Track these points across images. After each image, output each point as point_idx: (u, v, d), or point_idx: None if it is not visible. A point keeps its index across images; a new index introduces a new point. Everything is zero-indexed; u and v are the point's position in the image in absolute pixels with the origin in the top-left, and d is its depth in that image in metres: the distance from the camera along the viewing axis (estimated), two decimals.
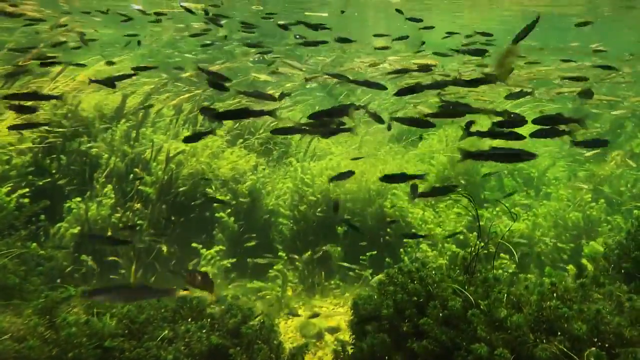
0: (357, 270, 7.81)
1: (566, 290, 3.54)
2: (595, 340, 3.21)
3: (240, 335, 3.36)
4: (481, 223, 8.11)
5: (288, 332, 7.06)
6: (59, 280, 6.73)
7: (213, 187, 8.33)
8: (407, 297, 3.70)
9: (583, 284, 3.72)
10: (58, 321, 2.91)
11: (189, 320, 3.33)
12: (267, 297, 7.55)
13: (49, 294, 3.23)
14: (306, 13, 20.73)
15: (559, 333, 3.23)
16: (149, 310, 3.29)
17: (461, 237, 7.63)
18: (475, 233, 7.75)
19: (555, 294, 3.48)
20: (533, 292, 3.59)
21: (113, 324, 3.02)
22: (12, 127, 6.54)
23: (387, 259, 7.82)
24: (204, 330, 3.20)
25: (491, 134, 4.85)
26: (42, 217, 7.45)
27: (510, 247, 6.91)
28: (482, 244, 7.22)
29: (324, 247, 8.03)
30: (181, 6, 10.77)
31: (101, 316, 3.12)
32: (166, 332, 2.99)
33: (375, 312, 3.75)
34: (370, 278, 7.65)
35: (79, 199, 7.82)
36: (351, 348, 3.87)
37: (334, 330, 6.95)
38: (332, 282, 7.99)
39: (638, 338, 3.11)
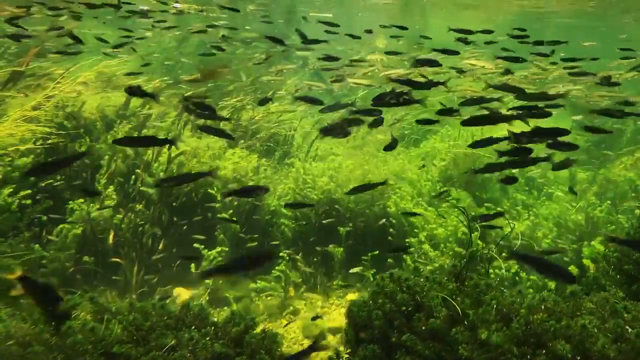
0: (359, 271, 7.83)
1: (556, 302, 3.51)
2: (579, 358, 3.17)
3: (243, 344, 3.38)
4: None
5: (290, 332, 7.08)
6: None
7: (215, 188, 8.34)
8: (395, 308, 3.67)
9: (574, 293, 3.69)
10: (63, 328, 2.93)
11: (192, 327, 3.34)
12: (269, 297, 7.58)
13: None
14: (311, 13, 20.71)
15: (544, 351, 3.21)
16: (153, 317, 3.30)
17: (464, 236, 7.64)
18: (476, 234, 7.77)
19: (543, 306, 3.45)
20: (524, 300, 3.57)
21: (119, 330, 3.03)
22: None
23: (389, 259, 7.84)
24: (207, 338, 3.21)
25: (535, 133, 4.77)
26: (44, 218, 7.48)
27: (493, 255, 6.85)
28: (481, 248, 7.24)
29: (325, 248, 8.05)
30: (174, 7, 10.78)
31: (107, 323, 3.14)
32: (172, 341, 3.00)
33: (369, 320, 3.74)
34: (372, 279, 7.67)
35: (81, 200, 7.84)
36: (346, 357, 3.86)
37: (336, 331, 6.97)
38: (335, 282, 8.01)
39: (622, 357, 3.09)
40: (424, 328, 3.45)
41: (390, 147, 5.77)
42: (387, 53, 9.74)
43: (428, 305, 3.57)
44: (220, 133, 5.97)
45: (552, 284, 6.57)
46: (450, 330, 3.38)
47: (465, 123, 4.82)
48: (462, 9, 22.71)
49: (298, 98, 6.39)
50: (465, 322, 3.45)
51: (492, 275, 6.40)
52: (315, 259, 8.10)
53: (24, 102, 8.44)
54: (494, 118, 4.76)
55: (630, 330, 3.27)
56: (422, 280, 3.84)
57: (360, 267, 7.76)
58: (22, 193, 7.33)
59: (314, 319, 6.94)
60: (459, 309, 3.46)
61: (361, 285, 7.89)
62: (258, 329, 3.63)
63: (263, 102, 7.44)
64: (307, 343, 6.88)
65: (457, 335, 3.28)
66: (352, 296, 7.79)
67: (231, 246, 8.00)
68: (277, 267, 7.76)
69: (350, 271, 7.82)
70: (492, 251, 5.76)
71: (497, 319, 3.46)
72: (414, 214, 7.44)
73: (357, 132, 11.01)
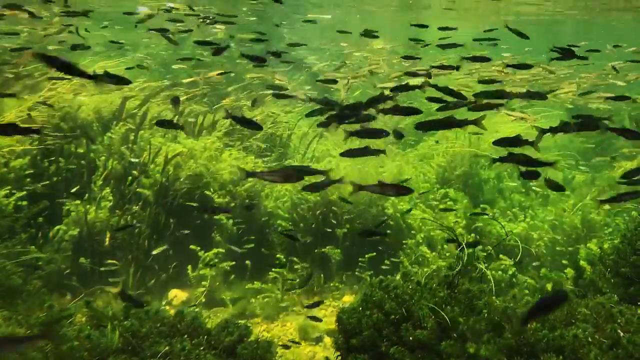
0: (356, 272, 7.84)
1: None
2: None
3: (236, 354, 3.35)
4: (480, 224, 8.14)
5: (287, 334, 7.07)
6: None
7: (212, 189, 8.32)
8: (383, 317, 3.65)
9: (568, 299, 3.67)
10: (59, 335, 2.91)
11: (185, 336, 3.31)
12: (266, 299, 7.56)
13: (52, 305, 3.23)
14: (309, 15, 20.68)
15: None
16: (148, 323, 3.28)
17: (460, 237, 7.65)
18: (473, 234, 7.79)
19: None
20: (518, 305, 3.54)
21: (115, 337, 3.01)
22: None
23: (386, 261, 7.85)
24: (201, 348, 3.19)
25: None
26: (40, 219, 7.44)
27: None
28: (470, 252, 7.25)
29: (323, 249, 8.04)
30: (168, 7, 10.75)
31: (103, 329, 3.13)
32: (166, 348, 2.99)
33: (358, 327, 3.73)
34: (369, 280, 7.66)
35: (77, 201, 7.81)
36: None
37: (333, 332, 6.95)
38: (332, 284, 8.00)
39: None
40: (411, 338, 3.43)
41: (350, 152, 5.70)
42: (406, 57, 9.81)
43: (417, 314, 3.54)
44: (171, 125, 6.18)
45: (549, 286, 6.58)
46: (439, 340, 3.36)
47: (419, 127, 4.93)
48: (460, 12, 22.75)
49: (313, 99, 6.42)
50: (455, 333, 3.42)
51: (489, 275, 6.40)
52: (309, 261, 8.10)
53: (20, 103, 8.41)
54: (449, 122, 4.84)
55: (622, 334, 3.28)
56: (411, 287, 3.81)
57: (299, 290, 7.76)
58: (18, 194, 7.31)
59: (313, 318, 6.90)
60: (448, 319, 3.43)
61: (358, 288, 7.88)
62: (253, 335, 3.61)
63: (254, 103, 7.49)
64: (304, 344, 6.87)
65: (446, 349, 3.25)
66: (349, 298, 7.79)
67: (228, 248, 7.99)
68: (273, 269, 7.75)
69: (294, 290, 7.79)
70: (484, 267, 5.73)
71: (489, 329, 3.44)
72: (379, 229, 7.31)
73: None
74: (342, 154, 5.34)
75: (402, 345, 3.41)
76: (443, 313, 3.44)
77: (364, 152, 5.20)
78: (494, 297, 3.95)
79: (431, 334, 3.39)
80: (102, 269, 7.25)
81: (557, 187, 5.45)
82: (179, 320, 3.44)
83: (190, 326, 3.44)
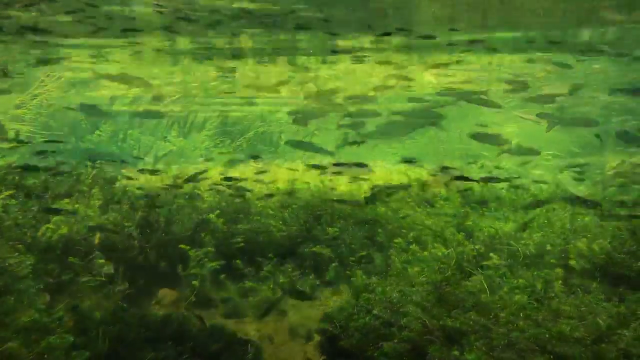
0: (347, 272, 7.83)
1: (537, 309, 3.52)
2: None
3: None
4: (469, 222, 8.15)
5: (278, 333, 7.05)
6: None
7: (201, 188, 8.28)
8: (371, 321, 3.65)
9: (555, 296, 3.72)
10: (43, 345, 2.85)
11: (169, 342, 3.26)
12: (257, 298, 7.53)
13: (38, 309, 3.17)
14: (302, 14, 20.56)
15: None
16: (135, 328, 3.23)
17: (452, 237, 7.66)
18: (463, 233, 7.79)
19: (522, 314, 3.45)
20: (505, 306, 3.56)
21: (104, 344, 2.96)
22: None
23: (377, 260, 7.84)
24: (185, 356, 3.15)
25: None
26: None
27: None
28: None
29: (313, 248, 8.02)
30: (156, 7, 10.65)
31: (89, 334, 3.07)
32: (151, 354, 2.95)
33: (346, 331, 3.72)
34: (359, 280, 7.64)
35: (67, 200, 7.73)
36: None
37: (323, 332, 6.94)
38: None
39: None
40: (396, 341, 3.43)
41: None
42: None
43: (404, 318, 3.55)
44: None
45: (539, 285, 6.58)
46: (427, 342, 3.36)
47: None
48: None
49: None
50: (442, 336, 3.42)
51: (480, 274, 6.39)
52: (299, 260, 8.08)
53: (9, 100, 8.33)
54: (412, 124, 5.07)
55: (601, 322, 3.34)
56: (398, 290, 3.81)
57: None
58: (6, 193, 7.23)
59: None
60: (436, 322, 3.43)
61: (349, 287, 7.87)
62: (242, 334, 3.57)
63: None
64: (293, 343, 6.85)
65: (433, 353, 3.26)
66: (339, 297, 7.77)
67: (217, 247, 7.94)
68: (265, 268, 7.72)
69: None
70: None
71: (476, 330, 3.45)
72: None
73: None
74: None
75: (389, 349, 3.41)
76: (430, 316, 3.45)
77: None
78: (482, 297, 3.96)
79: (418, 336, 3.40)
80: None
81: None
82: (164, 326, 3.39)
83: (176, 331, 3.39)
